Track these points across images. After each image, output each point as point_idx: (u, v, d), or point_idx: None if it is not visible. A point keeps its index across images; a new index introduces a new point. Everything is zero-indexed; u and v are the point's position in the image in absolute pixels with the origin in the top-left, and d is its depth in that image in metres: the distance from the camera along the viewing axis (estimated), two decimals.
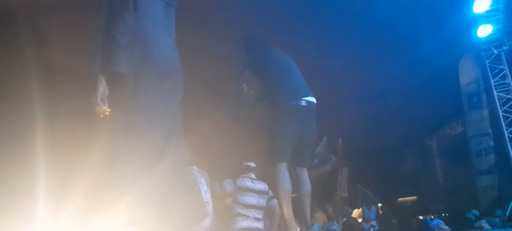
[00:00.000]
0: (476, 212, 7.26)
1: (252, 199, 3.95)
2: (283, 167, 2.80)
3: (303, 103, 2.85)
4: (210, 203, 3.36)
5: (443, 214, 8.24)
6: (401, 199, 9.96)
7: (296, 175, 2.91)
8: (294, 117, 2.84)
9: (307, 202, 2.82)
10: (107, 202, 1.85)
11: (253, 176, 4.09)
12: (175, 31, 1.92)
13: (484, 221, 6.69)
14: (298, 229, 3.13)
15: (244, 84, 3.07)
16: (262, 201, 4.02)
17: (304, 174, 2.90)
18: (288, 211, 2.80)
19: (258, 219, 3.99)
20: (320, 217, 5.73)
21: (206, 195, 3.35)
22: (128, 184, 1.74)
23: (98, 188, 1.92)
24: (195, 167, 3.42)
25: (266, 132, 3.02)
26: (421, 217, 7.94)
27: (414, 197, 9.96)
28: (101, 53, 1.65)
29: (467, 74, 9.00)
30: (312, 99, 2.91)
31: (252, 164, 4.12)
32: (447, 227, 6.44)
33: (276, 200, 4.05)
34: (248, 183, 3.97)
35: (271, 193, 4.07)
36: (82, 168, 1.86)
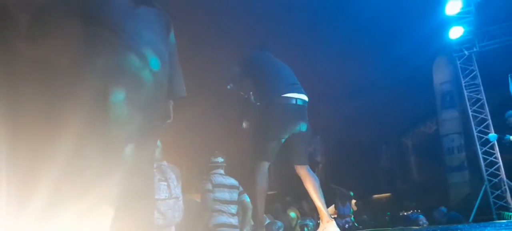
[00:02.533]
0: (443, 208, 7.52)
1: (226, 194, 4.03)
2: (263, 166, 2.83)
3: (290, 101, 2.81)
4: (181, 198, 3.39)
5: (415, 210, 8.47)
6: (376, 195, 10.19)
7: (299, 174, 2.85)
8: (278, 115, 2.81)
9: (319, 195, 2.75)
10: (69, 202, 1.86)
11: (222, 172, 4.17)
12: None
13: (421, 216, 6.99)
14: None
15: (251, 93, 3.09)
16: (234, 195, 4.12)
17: (308, 171, 2.82)
18: (261, 210, 2.86)
19: (232, 214, 4.08)
20: (295, 213, 5.82)
21: (177, 190, 3.38)
22: (88, 184, 1.75)
23: (60, 188, 1.93)
24: (164, 162, 3.45)
25: (250, 130, 3.05)
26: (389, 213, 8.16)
27: (389, 194, 10.21)
28: None
29: (441, 75, 9.25)
30: (300, 96, 2.87)
31: (220, 159, 4.18)
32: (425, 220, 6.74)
33: (246, 195, 4.16)
34: (220, 178, 4.07)
35: (241, 188, 4.17)
36: (44, 167, 1.87)
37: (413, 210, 8.47)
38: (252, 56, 3.14)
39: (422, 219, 7.17)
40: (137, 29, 1.83)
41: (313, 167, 3.06)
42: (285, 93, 2.81)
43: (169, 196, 3.24)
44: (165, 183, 3.27)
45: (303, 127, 2.86)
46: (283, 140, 2.82)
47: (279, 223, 4.76)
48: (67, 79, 1.94)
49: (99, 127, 1.80)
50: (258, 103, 3.02)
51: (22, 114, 2.04)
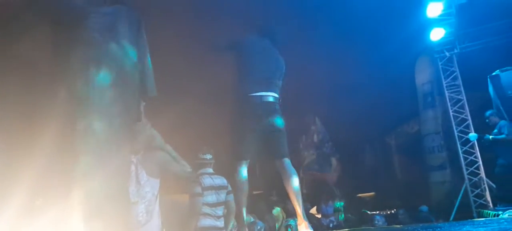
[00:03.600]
0: (424, 207, 7.65)
1: (213, 197, 3.88)
2: (239, 166, 2.82)
3: (256, 100, 2.82)
4: (148, 198, 3.31)
5: (396, 210, 8.58)
6: (360, 194, 10.30)
7: (278, 167, 2.85)
8: (245, 113, 2.82)
9: (296, 193, 2.71)
10: (50, 201, 1.82)
11: (210, 170, 4.02)
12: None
13: (378, 217, 7.11)
14: None
15: None
16: (222, 197, 3.97)
17: (286, 165, 2.80)
18: (241, 210, 2.85)
19: (218, 217, 3.96)
20: (280, 213, 5.81)
21: (144, 189, 3.30)
22: (71, 185, 1.71)
23: (41, 187, 1.87)
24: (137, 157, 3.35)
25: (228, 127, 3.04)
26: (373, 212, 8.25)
27: (372, 193, 10.33)
28: None
29: (423, 75, 9.41)
30: (268, 94, 2.87)
31: (208, 156, 4.05)
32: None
33: (233, 195, 4.08)
34: (208, 180, 3.90)
35: (229, 188, 4.04)
36: (26, 167, 1.81)
37: (396, 209, 8.56)
38: (246, 42, 3.08)
39: (380, 220, 7.26)
40: (105, 27, 1.79)
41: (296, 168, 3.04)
42: (252, 93, 2.83)
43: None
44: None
45: (276, 122, 2.86)
46: (256, 138, 2.81)
47: (260, 223, 4.73)
48: (42, 78, 1.90)
49: (75, 129, 1.75)
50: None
51: (4, 114, 1.98)
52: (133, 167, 3.19)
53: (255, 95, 2.83)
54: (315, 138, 10.79)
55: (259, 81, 2.88)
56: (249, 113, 2.82)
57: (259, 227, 4.61)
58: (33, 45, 1.78)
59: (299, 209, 2.70)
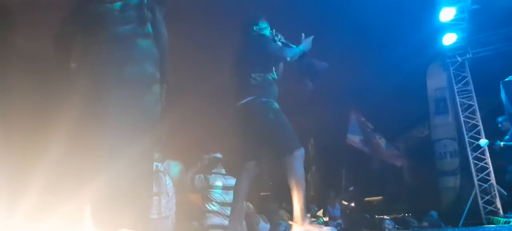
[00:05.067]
0: (434, 213, 7.58)
1: (222, 196, 3.98)
2: (244, 167, 2.85)
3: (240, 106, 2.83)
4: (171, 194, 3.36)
5: (407, 214, 8.53)
6: (367, 198, 10.24)
7: (283, 166, 2.74)
8: (236, 118, 2.87)
9: (299, 190, 2.59)
10: (61, 199, 1.83)
11: (223, 171, 4.11)
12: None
13: (388, 221, 7.01)
14: None
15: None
16: (230, 197, 4.05)
17: (288, 163, 2.66)
18: (241, 206, 2.88)
19: (228, 216, 4.03)
20: (285, 215, 5.81)
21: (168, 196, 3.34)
22: (82, 182, 1.72)
23: (53, 185, 1.89)
24: (162, 165, 3.40)
25: None
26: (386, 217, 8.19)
27: (380, 197, 10.26)
28: None
29: (435, 80, 9.32)
30: (243, 100, 2.84)
31: (219, 155, 4.11)
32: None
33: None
34: (220, 179, 4.01)
35: None
36: (36, 165, 1.83)
37: (405, 213, 8.51)
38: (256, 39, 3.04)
39: (389, 224, 7.17)
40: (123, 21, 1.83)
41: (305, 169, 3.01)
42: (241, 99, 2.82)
43: (159, 216, 3.16)
44: (157, 198, 3.18)
45: (258, 125, 2.79)
46: (251, 140, 2.82)
47: (284, 224, 4.75)
48: (58, 75, 1.92)
49: (93, 122, 1.77)
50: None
51: (15, 113, 2.01)
52: (162, 176, 3.22)
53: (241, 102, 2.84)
54: None
55: (241, 87, 2.90)
56: (237, 116, 2.86)
57: (283, 228, 4.63)
58: (47, 44, 1.81)
59: (298, 211, 2.60)
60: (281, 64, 3.10)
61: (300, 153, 2.68)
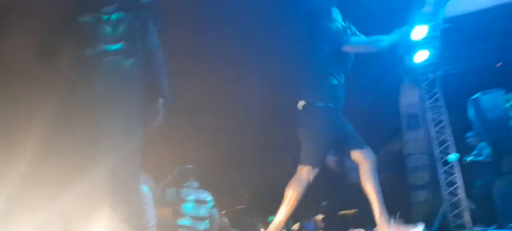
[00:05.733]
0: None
1: (197, 210, 3.90)
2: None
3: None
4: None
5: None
6: (342, 211, 10.29)
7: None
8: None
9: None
10: (36, 208, 1.77)
11: (196, 184, 4.04)
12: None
13: None
14: None
15: None
16: (203, 211, 3.98)
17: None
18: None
19: None
20: (260, 229, 5.72)
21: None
22: (61, 190, 1.66)
23: (26, 193, 1.82)
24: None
25: None
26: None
27: (354, 210, 10.34)
28: None
29: (407, 97, 9.57)
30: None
31: (190, 166, 4.08)
32: None
33: (216, 209, 4.05)
34: (191, 192, 3.93)
35: (213, 202, 4.06)
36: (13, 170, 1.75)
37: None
38: None
39: None
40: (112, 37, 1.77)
41: None
42: None
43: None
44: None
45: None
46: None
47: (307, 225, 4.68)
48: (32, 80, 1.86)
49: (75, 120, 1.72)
50: None
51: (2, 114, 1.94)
52: (148, 191, 3.15)
53: None
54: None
55: None
56: None
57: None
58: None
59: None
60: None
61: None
